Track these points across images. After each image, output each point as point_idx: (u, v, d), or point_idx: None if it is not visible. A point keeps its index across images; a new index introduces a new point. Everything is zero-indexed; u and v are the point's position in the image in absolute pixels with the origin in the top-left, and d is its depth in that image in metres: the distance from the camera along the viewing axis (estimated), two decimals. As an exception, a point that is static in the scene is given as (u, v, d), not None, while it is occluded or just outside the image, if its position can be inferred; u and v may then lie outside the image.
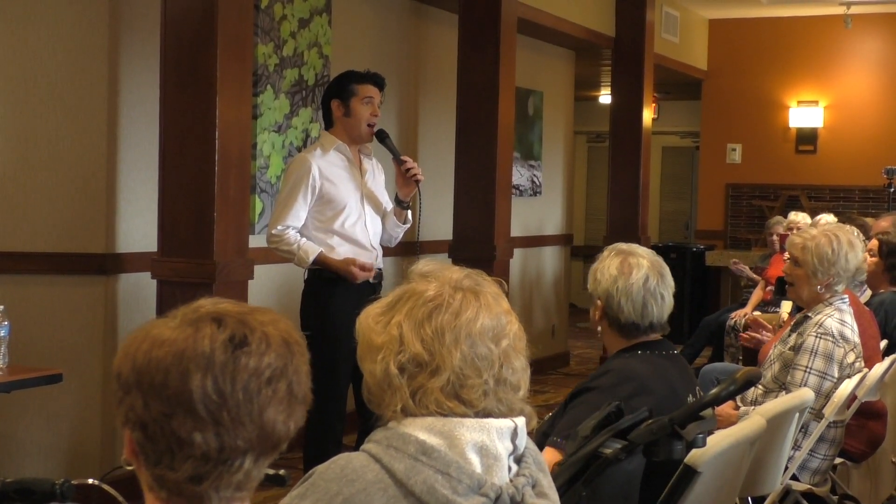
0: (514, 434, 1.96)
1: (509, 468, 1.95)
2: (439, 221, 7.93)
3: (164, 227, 5.18)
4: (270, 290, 6.43)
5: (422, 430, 1.91)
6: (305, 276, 5.27)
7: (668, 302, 3.34)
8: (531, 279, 10.07)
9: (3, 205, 5.59)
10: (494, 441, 1.92)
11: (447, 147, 7.93)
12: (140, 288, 5.61)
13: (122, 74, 5.74)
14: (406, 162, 5.30)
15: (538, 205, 10.29)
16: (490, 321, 1.97)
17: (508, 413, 1.96)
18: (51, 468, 5.58)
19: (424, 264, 2.08)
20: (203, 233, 5.07)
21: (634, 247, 3.42)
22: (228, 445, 1.50)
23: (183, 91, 5.11)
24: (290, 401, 1.55)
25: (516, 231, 8.56)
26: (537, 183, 10.26)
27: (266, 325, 1.55)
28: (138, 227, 5.73)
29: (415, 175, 5.28)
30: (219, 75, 5.05)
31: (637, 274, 3.27)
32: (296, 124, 6.93)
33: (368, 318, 2.02)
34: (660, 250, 10.99)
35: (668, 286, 3.35)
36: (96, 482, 2.32)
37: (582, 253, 12.22)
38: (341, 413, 5.20)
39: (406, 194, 5.35)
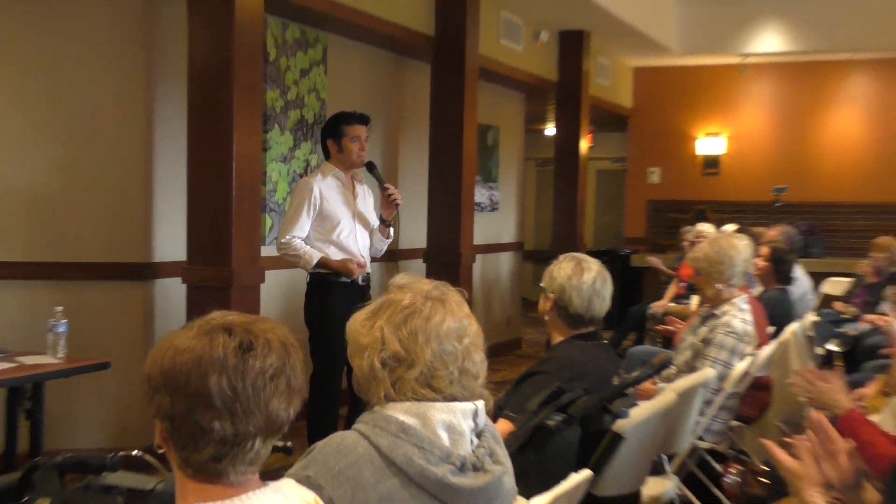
0: (476, 414, 2.00)
1: (472, 441, 1.98)
2: (416, 233, 7.94)
3: (191, 241, 5.19)
4: (278, 292, 6.43)
5: (401, 413, 1.95)
6: (308, 280, 5.28)
7: (608, 302, 3.38)
8: (491, 279, 10.09)
9: (61, 223, 5.59)
10: (459, 420, 1.96)
11: (422, 172, 7.93)
12: (172, 290, 5.60)
13: (155, 114, 5.74)
14: (388, 189, 5.34)
15: (496, 218, 10.30)
16: (454, 324, 2.00)
17: (470, 397, 2.00)
18: (100, 440, 5.59)
19: (401, 278, 2.11)
20: (222, 245, 5.08)
21: (585, 256, 3.45)
22: (242, 431, 1.52)
23: (206, 128, 5.11)
24: (289, 392, 1.58)
25: (478, 240, 8.55)
26: (495, 201, 10.27)
27: (267, 332, 1.58)
28: (170, 241, 5.70)
29: (395, 199, 5.32)
30: (235, 115, 5.06)
31: (588, 276, 3.31)
32: (298, 155, 6.93)
33: (356, 323, 2.05)
34: (595, 254, 11.03)
35: (609, 290, 3.39)
36: (139, 453, 2.32)
37: (532, 257, 12.24)
38: (337, 390, 5.22)
39: (388, 214, 5.39)
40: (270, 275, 5.66)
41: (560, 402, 2.79)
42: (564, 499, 2.38)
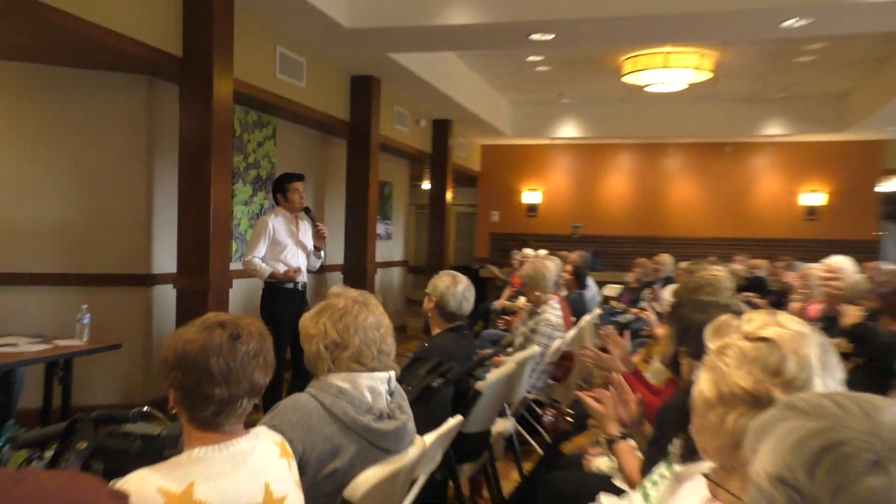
0: (389, 380, 2.00)
1: (386, 398, 1.99)
2: (336, 254, 7.87)
3: (180, 259, 5.00)
4: (240, 295, 6.27)
5: (338, 380, 1.93)
6: (263, 287, 5.17)
7: (472, 304, 3.36)
8: (386, 285, 10.07)
9: (87, 247, 5.34)
10: (378, 384, 1.96)
11: (341, 213, 7.89)
12: (166, 293, 5.39)
13: (154, 171, 5.55)
14: (319, 226, 5.27)
15: (390, 245, 10.28)
16: (374, 319, 2.00)
17: (385, 368, 2.00)
18: (113, 398, 5.34)
19: (336, 288, 2.09)
20: (203, 262, 4.93)
21: (457, 273, 3.42)
22: (234, 395, 1.50)
23: (191, 181, 4.97)
24: (265, 366, 1.55)
25: (379, 259, 8.56)
26: (389, 233, 10.26)
27: (249, 325, 1.55)
28: (165, 259, 5.49)
29: (323, 233, 5.26)
30: (212, 172, 4.95)
31: (460, 286, 3.30)
32: (255, 201, 6.79)
33: (306, 319, 2.02)
34: (456, 268, 11.07)
35: (473, 295, 3.37)
36: (148, 408, 2.24)
37: (413, 270, 12.24)
38: (282, 362, 5.10)
39: (319, 243, 5.31)
40: (236, 283, 5.54)
41: (440, 370, 2.81)
42: (445, 436, 2.39)
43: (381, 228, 9.61)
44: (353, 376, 1.93)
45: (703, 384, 1.25)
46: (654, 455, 2.01)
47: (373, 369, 1.96)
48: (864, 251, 11.28)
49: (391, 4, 5.89)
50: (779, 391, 1.17)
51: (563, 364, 4.90)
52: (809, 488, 0.78)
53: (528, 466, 4.18)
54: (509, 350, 4.48)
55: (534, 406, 4.52)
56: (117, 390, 5.41)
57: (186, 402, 1.50)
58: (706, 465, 1.61)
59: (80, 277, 5.29)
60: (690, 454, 1.70)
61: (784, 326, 1.26)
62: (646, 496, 1.81)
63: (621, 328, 7.10)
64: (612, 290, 9.04)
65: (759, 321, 1.29)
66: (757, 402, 1.17)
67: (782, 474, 0.81)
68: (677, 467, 1.69)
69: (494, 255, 12.87)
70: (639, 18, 5.50)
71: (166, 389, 1.53)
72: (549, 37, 6.21)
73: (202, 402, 1.48)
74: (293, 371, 5.14)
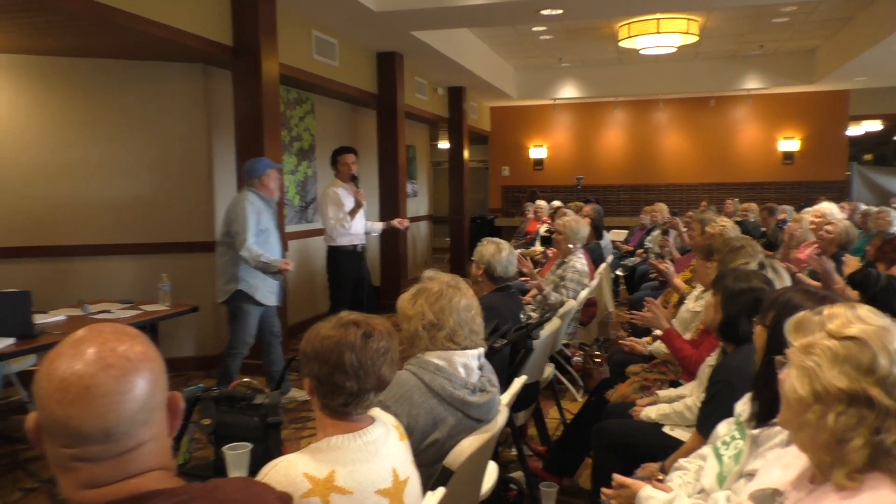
0: (479, 356, 1.93)
1: (477, 373, 1.92)
2: (371, 214, 7.76)
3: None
4: (295, 256, 6.20)
5: (435, 358, 1.87)
6: (327, 250, 5.12)
7: (516, 266, 3.29)
8: (415, 235, 9.99)
9: (159, 217, 5.24)
10: (471, 361, 1.89)
11: (374, 178, 7.76)
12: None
13: (213, 148, 5.40)
14: (360, 191, 5.15)
15: (416, 201, 10.16)
16: (465, 302, 1.92)
17: (476, 346, 1.93)
18: (190, 350, 5.35)
19: (429, 272, 2.00)
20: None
21: (500, 240, 3.31)
22: (363, 388, 1.42)
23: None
24: (391, 363, 1.47)
25: (409, 214, 8.44)
26: (415, 190, 10.13)
27: (379, 325, 1.46)
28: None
29: (359, 198, 5.12)
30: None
31: (504, 252, 3.21)
32: (300, 170, 6.66)
33: (404, 301, 1.93)
34: (474, 219, 10.99)
35: (515, 257, 3.29)
36: (248, 379, 2.18)
37: (436, 221, 12.10)
38: (344, 305, 5.06)
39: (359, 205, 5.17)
40: (291, 244, 5.47)
41: (501, 332, 2.75)
42: (515, 394, 2.34)
43: (408, 187, 9.47)
44: (448, 354, 1.86)
45: (796, 381, 1.12)
46: (710, 412, 1.94)
47: (465, 347, 1.89)
48: (835, 190, 11.12)
49: (416, -13, 5.66)
50: (876, 389, 1.07)
51: (588, 310, 4.83)
52: None
53: (565, 404, 4.16)
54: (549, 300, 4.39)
55: (564, 349, 4.47)
56: (194, 343, 5.39)
57: (320, 390, 1.43)
58: (780, 430, 1.53)
59: (153, 246, 5.22)
60: (760, 418, 1.63)
61: (867, 322, 1.12)
62: (718, 456, 1.75)
63: (629, 270, 7.02)
64: (617, 235, 8.92)
65: (841, 318, 1.14)
66: (854, 400, 1.07)
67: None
68: (753, 431, 1.62)
69: (506, 206, 12.74)
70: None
71: (302, 377, 1.46)
72: (558, 12, 6.01)
73: (334, 393, 1.41)
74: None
